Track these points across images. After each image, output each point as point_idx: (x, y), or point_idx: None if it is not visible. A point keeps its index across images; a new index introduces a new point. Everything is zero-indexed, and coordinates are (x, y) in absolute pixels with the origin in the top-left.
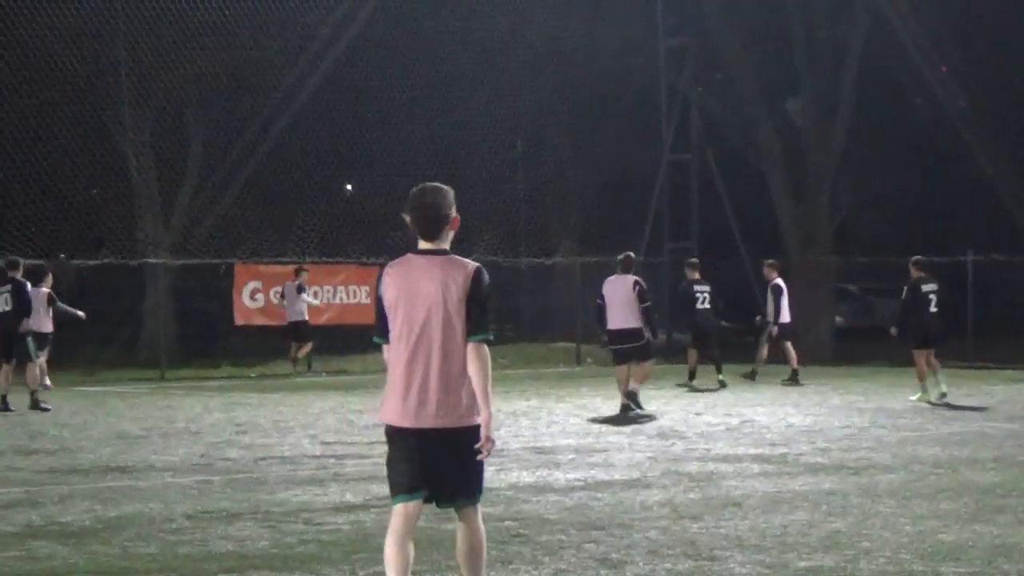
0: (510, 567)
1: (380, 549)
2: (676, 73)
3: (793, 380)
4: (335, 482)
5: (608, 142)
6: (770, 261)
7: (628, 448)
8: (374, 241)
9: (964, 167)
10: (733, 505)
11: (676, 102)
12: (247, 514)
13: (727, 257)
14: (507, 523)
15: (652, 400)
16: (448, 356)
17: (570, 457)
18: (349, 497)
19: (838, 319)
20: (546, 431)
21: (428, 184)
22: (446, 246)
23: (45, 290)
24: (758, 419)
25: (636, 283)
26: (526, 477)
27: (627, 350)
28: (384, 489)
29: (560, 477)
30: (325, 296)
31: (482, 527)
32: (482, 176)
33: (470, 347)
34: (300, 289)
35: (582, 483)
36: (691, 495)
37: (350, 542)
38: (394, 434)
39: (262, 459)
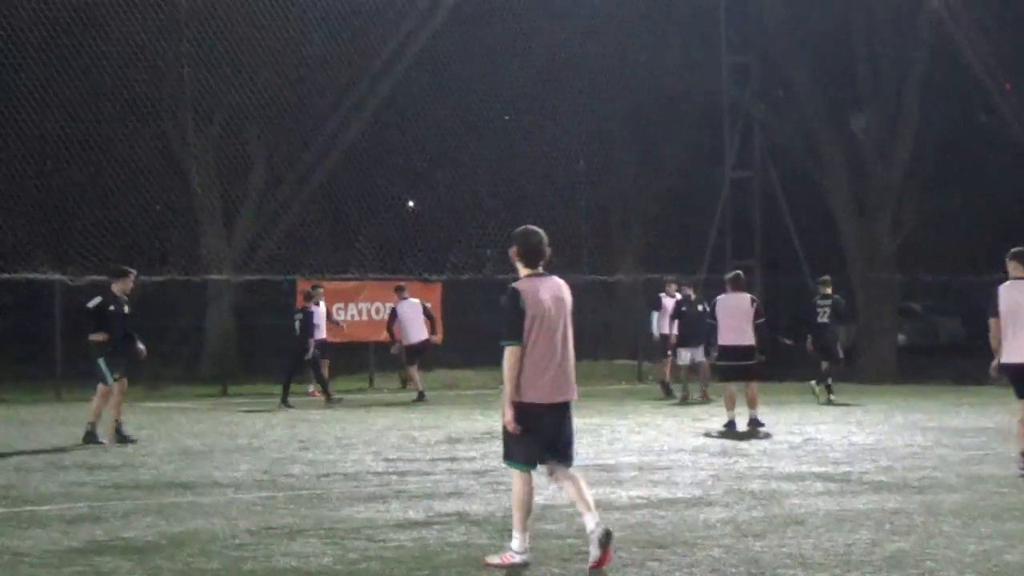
0: None
1: (443, 566)
2: (739, 90)
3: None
4: (397, 499)
5: (671, 159)
6: (823, 277)
7: (691, 466)
8: (436, 257)
9: None
10: (796, 523)
11: (739, 119)
12: (310, 530)
13: (789, 274)
14: (570, 541)
15: (713, 418)
16: None
17: (632, 475)
18: (412, 514)
19: (901, 337)
20: (608, 448)
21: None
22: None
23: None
24: (821, 437)
25: (753, 300)
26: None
27: (739, 368)
28: (446, 506)
29: (623, 495)
30: (387, 313)
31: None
32: (544, 193)
33: None
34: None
35: (645, 501)
36: (754, 513)
37: (413, 559)
38: None
39: (325, 476)
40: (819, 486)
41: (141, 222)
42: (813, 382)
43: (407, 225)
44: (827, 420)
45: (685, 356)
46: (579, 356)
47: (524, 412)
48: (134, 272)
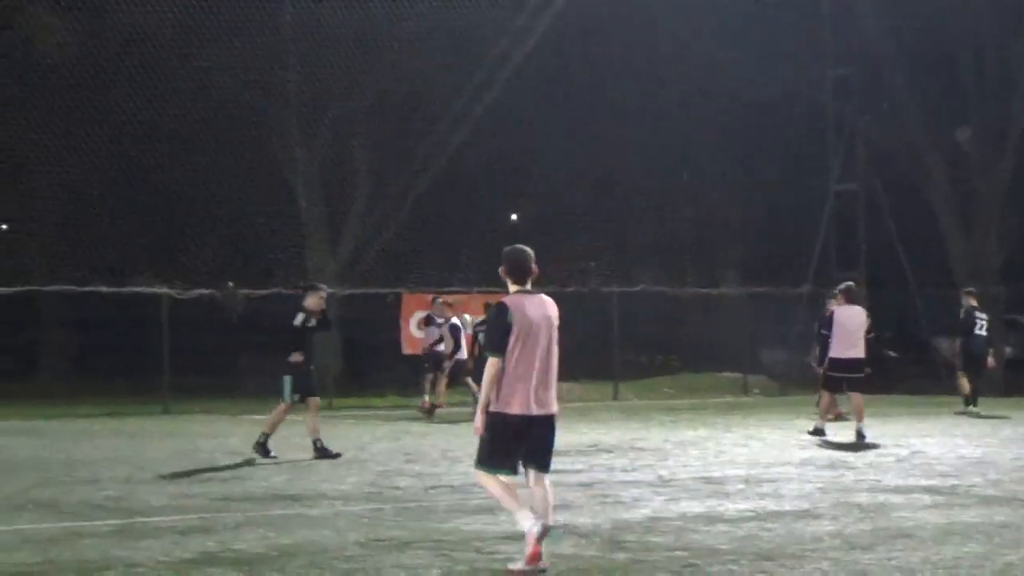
0: None
1: None
2: (842, 102)
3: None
4: (504, 511)
5: (774, 171)
6: (968, 289)
7: (797, 479)
8: (540, 271)
9: None
10: (904, 536)
11: (843, 131)
12: (418, 542)
13: (894, 287)
14: (678, 553)
15: (843, 432)
16: None
17: (739, 487)
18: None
19: (1008, 350)
20: (715, 461)
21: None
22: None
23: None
24: (928, 450)
25: (866, 313)
26: (696, 507)
27: (849, 380)
28: (554, 518)
29: (730, 507)
30: None
31: None
32: (646, 206)
33: None
34: (428, 320)
35: (752, 513)
36: (862, 526)
37: (522, 572)
38: None
39: (432, 488)
40: (927, 499)
41: (247, 236)
42: (970, 407)
43: (511, 239)
44: (934, 433)
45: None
46: (683, 369)
47: (505, 423)
48: (325, 287)
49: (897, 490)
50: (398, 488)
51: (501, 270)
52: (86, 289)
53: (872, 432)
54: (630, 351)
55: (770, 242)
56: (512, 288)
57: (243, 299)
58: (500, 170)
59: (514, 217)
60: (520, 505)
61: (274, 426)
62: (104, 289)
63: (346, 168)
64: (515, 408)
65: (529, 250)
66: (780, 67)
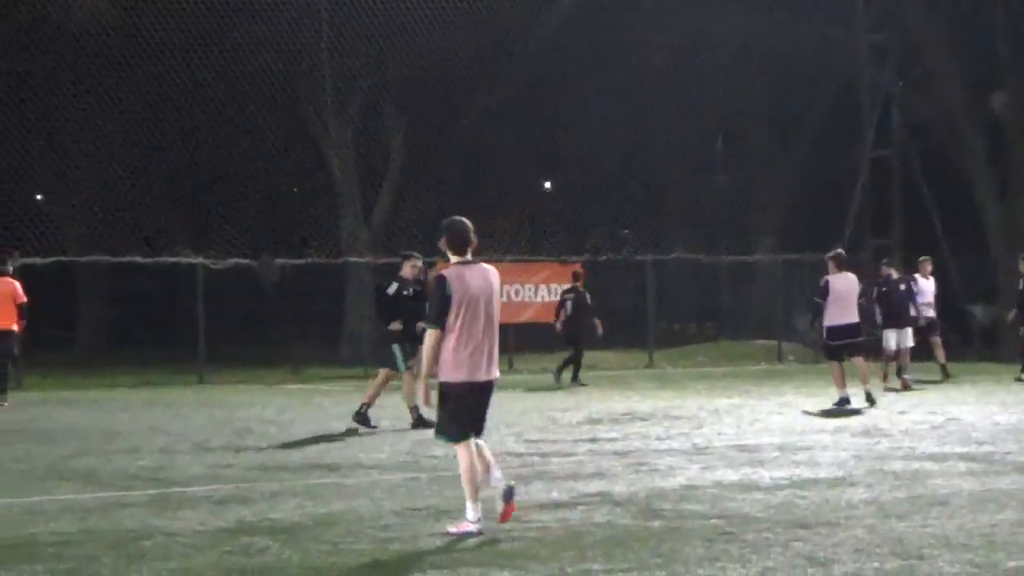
0: (717, 564)
1: (588, 547)
2: (877, 69)
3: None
4: (540, 480)
5: (808, 139)
6: None
7: (832, 446)
8: (573, 239)
9: None
10: (939, 504)
11: (878, 99)
12: (454, 511)
13: (929, 254)
14: (713, 521)
15: (854, 398)
16: None
17: (774, 455)
18: (555, 495)
19: None
20: (749, 429)
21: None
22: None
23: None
24: (964, 417)
25: (857, 279)
26: (731, 475)
27: (849, 346)
28: (589, 487)
29: (765, 475)
30: (527, 294)
31: None
32: (680, 174)
33: None
34: None
35: (787, 481)
36: (897, 494)
37: (557, 539)
38: None
39: None
40: (962, 466)
41: (282, 206)
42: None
43: (544, 207)
44: (969, 400)
45: (891, 339)
46: (717, 336)
47: (460, 391)
48: (419, 256)
49: (932, 457)
50: (434, 457)
51: (441, 242)
52: (122, 260)
53: (907, 400)
54: (664, 319)
55: (805, 209)
56: (453, 259)
57: (278, 268)
58: (532, 138)
59: (548, 185)
60: (475, 498)
61: (374, 396)
62: (140, 260)
63: (379, 139)
64: (465, 375)
65: (468, 222)
66: (816, 34)
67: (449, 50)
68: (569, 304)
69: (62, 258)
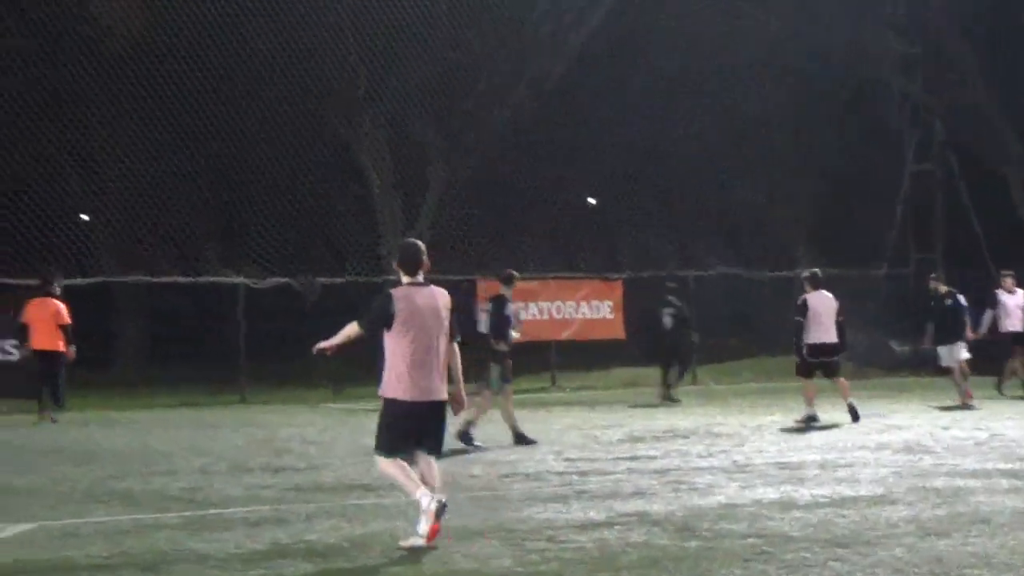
0: None
1: (624, 567)
2: (911, 80)
3: None
4: (578, 499)
5: (846, 152)
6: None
7: (873, 463)
8: (614, 255)
9: None
10: (982, 522)
11: (918, 111)
12: (490, 531)
13: (973, 267)
14: (751, 540)
15: (896, 414)
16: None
17: (815, 473)
18: (592, 515)
19: None
20: (791, 446)
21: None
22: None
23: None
24: (1007, 433)
25: (835, 298)
26: (771, 493)
27: (826, 364)
28: (627, 506)
29: (805, 493)
30: (567, 312)
31: None
32: (714, 187)
33: None
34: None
35: (827, 499)
36: (938, 511)
37: (593, 560)
38: None
39: (505, 476)
40: (1005, 483)
41: (320, 223)
42: None
43: (587, 224)
44: (1014, 416)
45: (944, 355)
46: (758, 352)
47: (398, 409)
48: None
49: (975, 474)
50: (473, 476)
51: (395, 263)
52: (163, 280)
53: (950, 416)
54: (706, 335)
55: (846, 224)
56: (404, 280)
57: (318, 287)
58: (577, 152)
59: (592, 201)
60: (416, 485)
61: (479, 414)
62: (181, 279)
63: (418, 153)
64: (406, 394)
65: (421, 244)
66: (848, 45)
67: (485, 62)
68: (668, 319)
69: (103, 279)
